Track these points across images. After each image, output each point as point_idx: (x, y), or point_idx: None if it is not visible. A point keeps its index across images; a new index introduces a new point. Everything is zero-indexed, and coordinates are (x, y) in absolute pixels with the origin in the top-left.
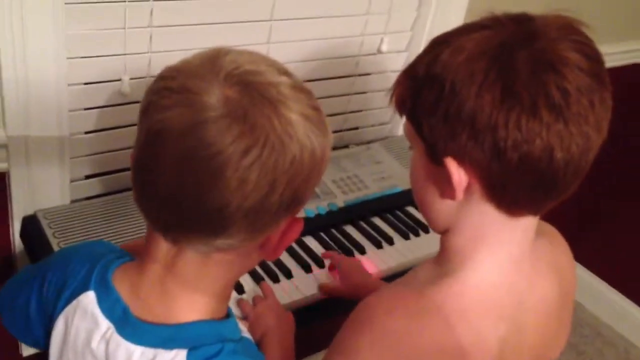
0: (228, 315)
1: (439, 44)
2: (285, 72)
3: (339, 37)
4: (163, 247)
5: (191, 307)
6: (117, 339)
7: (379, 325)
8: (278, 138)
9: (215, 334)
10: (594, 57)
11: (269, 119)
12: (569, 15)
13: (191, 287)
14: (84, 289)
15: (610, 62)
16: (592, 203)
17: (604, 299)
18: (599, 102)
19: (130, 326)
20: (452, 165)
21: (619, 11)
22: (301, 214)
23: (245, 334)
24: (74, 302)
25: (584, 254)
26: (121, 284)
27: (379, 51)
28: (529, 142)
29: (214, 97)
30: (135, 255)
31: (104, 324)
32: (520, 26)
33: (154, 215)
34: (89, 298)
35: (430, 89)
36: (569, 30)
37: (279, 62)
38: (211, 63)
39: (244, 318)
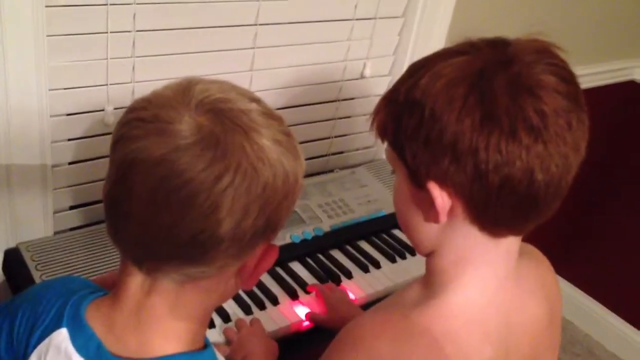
0: (205, 345)
1: (418, 69)
2: (255, 100)
3: (322, 63)
4: (138, 279)
5: (167, 340)
6: None
7: (363, 349)
8: (250, 164)
9: None
10: (570, 80)
11: (241, 145)
12: (543, 39)
13: (167, 318)
14: (56, 326)
15: (604, 79)
16: (584, 221)
17: (595, 317)
18: (576, 123)
19: None
20: (435, 189)
21: (612, 29)
22: (287, 239)
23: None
24: (46, 340)
25: (575, 273)
26: (95, 319)
27: (362, 76)
28: (510, 164)
29: (186, 125)
30: (109, 288)
31: None
32: (496, 51)
33: (129, 248)
34: (62, 336)
35: (410, 115)
36: (544, 53)
37: (248, 90)
38: (182, 93)
39: (228, 343)
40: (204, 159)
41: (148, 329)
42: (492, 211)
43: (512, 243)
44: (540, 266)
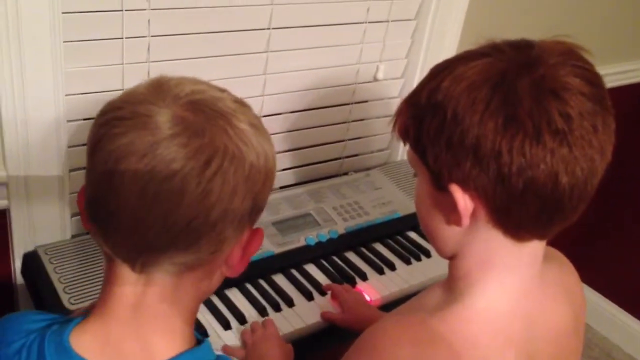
0: (198, 340)
1: (440, 71)
2: (224, 90)
3: (335, 66)
4: (129, 279)
5: (167, 342)
6: None
7: (385, 354)
8: (236, 147)
9: None
10: (595, 82)
11: (225, 130)
12: (568, 40)
13: (167, 314)
14: None
15: (620, 80)
16: (601, 223)
17: (613, 320)
18: (602, 126)
19: None
20: (457, 192)
21: (624, 30)
22: (302, 241)
23: (220, 352)
24: None
25: (592, 276)
26: (84, 346)
27: (375, 79)
28: (533, 167)
29: (166, 117)
30: (88, 313)
31: None
32: (520, 53)
33: (121, 247)
34: None
35: (432, 118)
36: (569, 55)
37: (214, 83)
38: (156, 90)
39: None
40: (191, 147)
41: (149, 329)
42: (516, 214)
43: (536, 247)
44: (565, 271)
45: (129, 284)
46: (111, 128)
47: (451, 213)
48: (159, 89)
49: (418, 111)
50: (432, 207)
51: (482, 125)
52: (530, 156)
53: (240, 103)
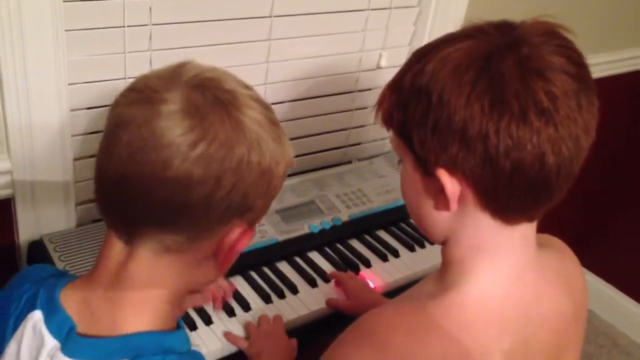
0: (178, 327)
1: (424, 55)
2: (246, 87)
3: (338, 54)
4: (117, 248)
5: (137, 317)
6: (60, 356)
7: (379, 339)
8: (227, 135)
9: (157, 345)
10: (578, 61)
11: (220, 117)
12: (550, 20)
13: (140, 293)
14: (29, 310)
15: (619, 68)
16: (604, 210)
17: (619, 308)
18: (586, 104)
19: (73, 343)
20: (445, 176)
21: (624, 17)
22: (305, 229)
23: (196, 348)
24: (21, 325)
25: (598, 263)
26: (70, 301)
27: (379, 66)
28: (520, 148)
29: (173, 95)
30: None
31: (50, 342)
32: (503, 34)
33: (111, 214)
34: (37, 317)
35: (417, 102)
36: (552, 35)
37: (245, 82)
38: (174, 70)
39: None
40: (183, 125)
41: (120, 306)
42: (504, 196)
43: (526, 230)
44: (564, 257)
45: (115, 253)
46: (124, 97)
47: (439, 198)
48: (177, 69)
49: (402, 96)
50: (419, 193)
51: (469, 108)
52: (517, 137)
53: (257, 101)
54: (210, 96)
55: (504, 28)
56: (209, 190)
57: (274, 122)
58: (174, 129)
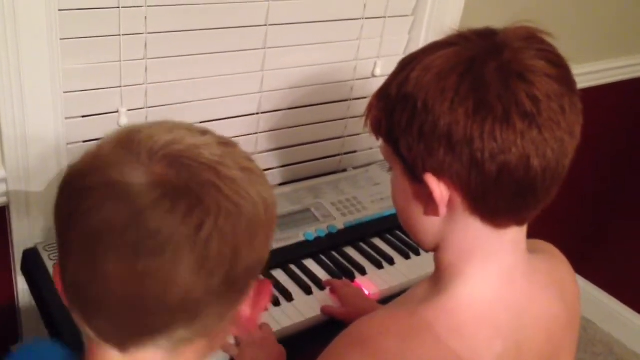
0: None
1: (408, 63)
2: (205, 132)
3: (333, 63)
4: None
5: None
6: None
7: (371, 344)
8: (229, 201)
9: None
10: (559, 63)
11: (213, 183)
12: (530, 25)
13: None
14: None
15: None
16: (605, 219)
17: (616, 316)
18: (569, 107)
19: None
20: (432, 181)
21: (620, 26)
22: (300, 237)
23: None
24: None
25: (595, 272)
26: None
27: (373, 75)
28: (505, 151)
29: (143, 179)
30: None
31: None
32: (485, 40)
33: (108, 331)
34: None
35: (403, 109)
36: (532, 39)
37: (192, 123)
38: (125, 146)
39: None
40: (179, 211)
41: None
42: (492, 200)
43: (516, 234)
44: (556, 262)
45: None
46: (83, 201)
47: (428, 203)
48: (128, 145)
49: (389, 104)
50: (409, 200)
51: (453, 112)
52: (501, 140)
53: (226, 144)
54: (189, 163)
55: (486, 34)
56: (228, 266)
57: (250, 159)
58: (169, 219)
